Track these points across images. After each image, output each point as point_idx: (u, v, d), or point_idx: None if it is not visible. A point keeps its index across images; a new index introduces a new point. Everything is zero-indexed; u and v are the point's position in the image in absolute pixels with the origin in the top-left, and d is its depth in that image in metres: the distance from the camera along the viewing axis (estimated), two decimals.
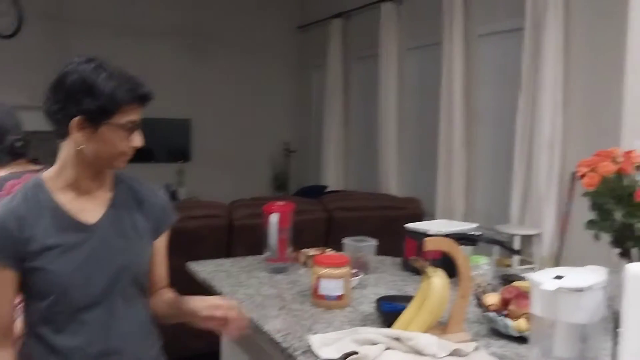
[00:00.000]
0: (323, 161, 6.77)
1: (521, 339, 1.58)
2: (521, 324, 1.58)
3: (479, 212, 4.94)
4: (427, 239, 1.66)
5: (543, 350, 1.35)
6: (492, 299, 1.71)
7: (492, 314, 1.66)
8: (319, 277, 1.93)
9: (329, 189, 6.03)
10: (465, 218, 4.86)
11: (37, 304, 1.34)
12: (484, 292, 1.78)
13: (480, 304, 1.72)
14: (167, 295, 1.55)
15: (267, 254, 2.34)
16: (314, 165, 7.09)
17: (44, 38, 6.27)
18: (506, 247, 2.14)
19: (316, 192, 5.43)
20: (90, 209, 1.39)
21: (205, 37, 7.24)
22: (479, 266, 2.02)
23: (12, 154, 1.80)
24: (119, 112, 1.30)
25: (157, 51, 7.01)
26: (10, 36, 5.86)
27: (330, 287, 1.92)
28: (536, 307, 1.33)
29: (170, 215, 1.55)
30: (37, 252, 1.31)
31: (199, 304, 1.43)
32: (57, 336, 1.34)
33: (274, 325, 1.74)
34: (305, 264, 2.48)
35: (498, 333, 1.67)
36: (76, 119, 1.28)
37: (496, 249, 4.02)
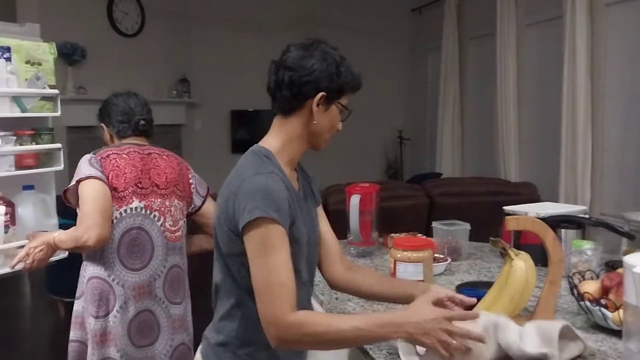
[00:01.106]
0: (438, 148, 6.51)
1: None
2: (622, 315, 1.34)
3: (607, 198, 4.48)
4: (508, 217, 1.47)
5: None
6: (589, 286, 1.48)
7: (588, 304, 1.43)
8: (396, 260, 1.80)
9: (444, 177, 5.79)
10: (592, 205, 4.43)
11: None
12: (582, 279, 1.55)
13: (576, 292, 1.49)
14: (375, 273, 1.69)
15: (349, 237, 2.24)
16: (429, 152, 6.85)
17: (165, 36, 6.58)
18: (618, 231, 1.86)
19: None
20: (293, 183, 1.44)
21: (318, 25, 7.23)
22: (582, 251, 1.77)
23: (135, 130, 2.09)
24: (345, 94, 1.41)
25: (273, 43, 6.96)
26: (134, 35, 6.24)
27: (409, 271, 1.78)
28: (630, 294, 1.11)
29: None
30: (292, 221, 1.32)
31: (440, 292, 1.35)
32: None
33: (347, 311, 1.63)
34: None
35: (597, 326, 1.44)
36: (320, 94, 1.35)
37: (626, 240, 3.60)
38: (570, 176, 4.60)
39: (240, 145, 7.24)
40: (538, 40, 5.30)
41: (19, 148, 2.00)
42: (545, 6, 5.09)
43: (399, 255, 1.79)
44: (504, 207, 2.23)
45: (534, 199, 3.76)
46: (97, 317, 1.90)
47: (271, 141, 1.39)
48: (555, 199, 4.46)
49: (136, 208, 1.95)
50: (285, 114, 1.38)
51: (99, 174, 1.88)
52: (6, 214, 1.94)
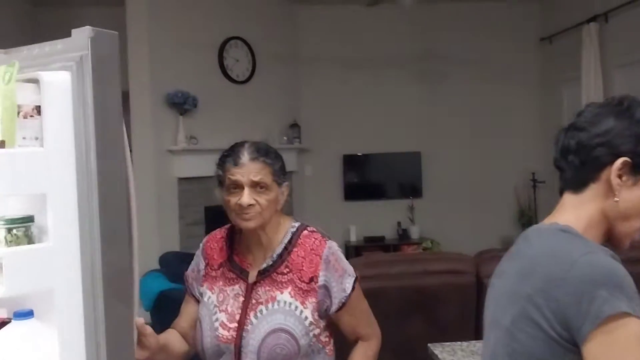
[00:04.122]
0: None
1: None
2: None
3: None
4: None
5: None
6: None
7: None
8: None
9: None
10: None
11: None
12: None
13: None
14: None
15: None
16: None
17: (276, 81, 6.34)
18: None
19: None
20: None
21: (435, 62, 6.73)
22: None
23: None
24: None
25: (386, 81, 6.73)
26: (245, 82, 6.02)
27: None
28: None
29: None
30: None
31: None
32: None
33: None
34: None
35: None
36: (621, 160, 1.04)
37: None
38: None
39: (353, 191, 6.78)
40: None
41: None
42: None
43: None
44: None
45: None
46: None
47: (570, 220, 1.07)
48: None
49: None
50: (576, 190, 1.09)
51: None
52: None
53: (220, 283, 1.61)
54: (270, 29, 6.31)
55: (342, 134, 6.73)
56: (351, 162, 6.84)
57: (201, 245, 1.71)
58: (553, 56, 6.58)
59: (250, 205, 1.52)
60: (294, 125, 6.51)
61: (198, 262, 1.69)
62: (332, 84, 6.75)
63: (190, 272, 1.71)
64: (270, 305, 1.54)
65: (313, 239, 1.60)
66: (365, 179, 6.89)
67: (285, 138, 6.42)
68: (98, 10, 6.13)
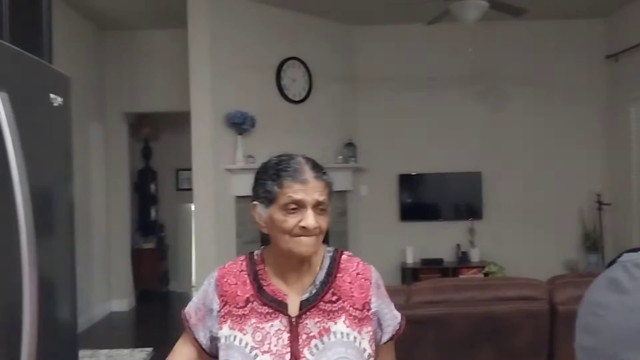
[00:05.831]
0: None
1: None
2: None
3: None
4: None
5: None
6: None
7: None
8: None
9: None
10: None
11: None
12: None
13: None
14: None
15: None
16: (638, 219, 5.76)
17: (332, 100, 6.35)
18: None
19: None
20: None
21: (496, 80, 6.60)
22: None
23: None
24: None
25: (444, 101, 6.63)
26: (301, 101, 6.04)
27: None
28: None
29: None
30: None
31: None
32: None
33: None
34: None
35: None
36: None
37: None
38: None
39: (409, 211, 6.67)
40: None
41: None
42: None
43: None
44: None
45: None
46: None
47: None
48: None
49: None
50: None
51: None
52: None
53: (253, 321, 1.39)
54: (326, 49, 6.34)
55: (398, 153, 6.65)
56: (407, 182, 6.74)
57: (213, 281, 1.46)
58: (620, 74, 6.34)
59: (315, 228, 1.36)
60: (350, 145, 6.49)
61: (207, 301, 1.45)
62: (388, 103, 6.70)
63: (193, 312, 1.47)
64: (326, 338, 1.37)
65: (355, 263, 1.46)
66: (422, 199, 6.78)
67: (340, 157, 6.40)
68: (161, 33, 6.32)
